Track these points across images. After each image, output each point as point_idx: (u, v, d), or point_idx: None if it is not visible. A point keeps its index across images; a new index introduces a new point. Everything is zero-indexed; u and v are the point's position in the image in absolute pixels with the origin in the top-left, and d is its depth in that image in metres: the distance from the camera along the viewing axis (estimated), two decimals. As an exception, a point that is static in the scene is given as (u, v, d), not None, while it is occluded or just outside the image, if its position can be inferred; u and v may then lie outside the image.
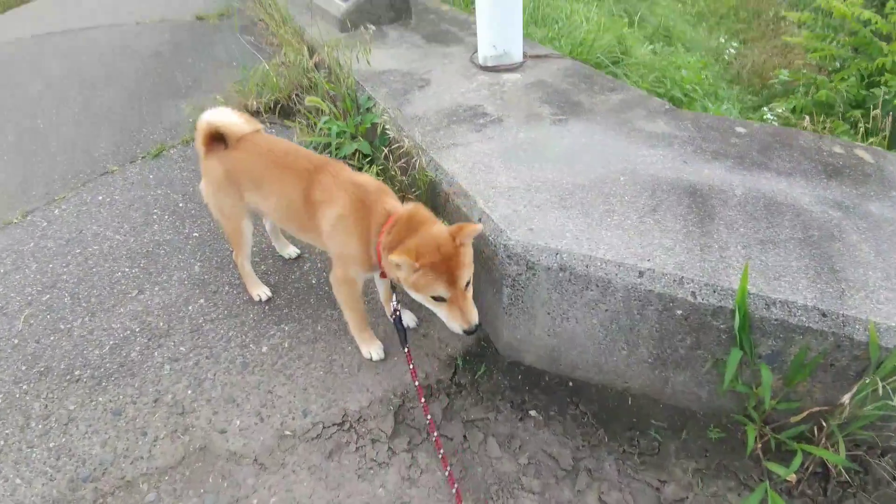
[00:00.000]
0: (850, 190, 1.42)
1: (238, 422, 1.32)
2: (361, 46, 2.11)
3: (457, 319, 1.12)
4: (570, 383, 1.34)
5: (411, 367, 1.25)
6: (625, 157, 1.48)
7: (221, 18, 4.14)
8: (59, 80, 3.33)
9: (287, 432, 1.29)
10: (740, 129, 1.64)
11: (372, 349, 1.41)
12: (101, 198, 2.22)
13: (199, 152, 1.48)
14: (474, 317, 1.10)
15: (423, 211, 1.21)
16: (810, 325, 1.06)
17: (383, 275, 1.30)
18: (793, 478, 1.10)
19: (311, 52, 2.52)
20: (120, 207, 2.14)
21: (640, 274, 1.14)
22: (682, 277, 1.12)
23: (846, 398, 1.02)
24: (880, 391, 1.02)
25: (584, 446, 1.24)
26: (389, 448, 1.26)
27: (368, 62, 2.08)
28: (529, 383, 1.36)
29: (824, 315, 1.06)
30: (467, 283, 1.12)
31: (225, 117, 1.41)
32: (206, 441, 1.29)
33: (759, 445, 1.17)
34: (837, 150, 1.60)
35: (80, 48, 3.84)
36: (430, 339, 1.49)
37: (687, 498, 1.15)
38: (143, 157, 2.45)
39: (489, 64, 1.97)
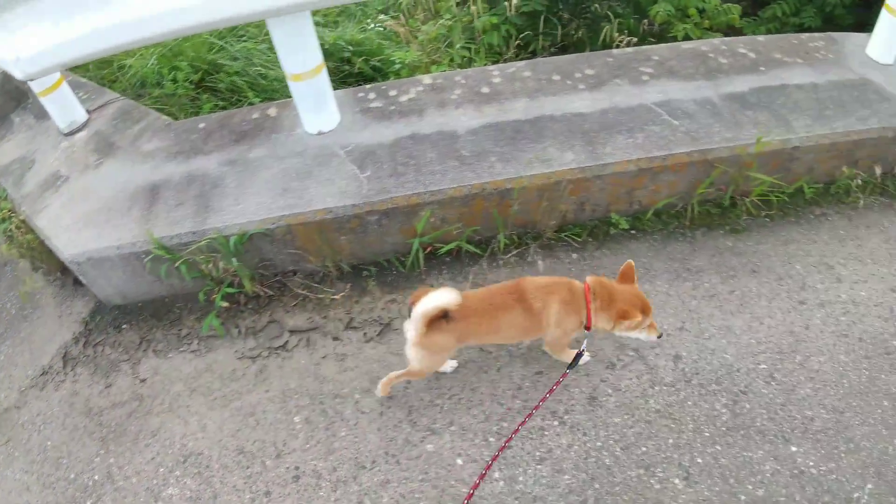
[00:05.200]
0: (245, 146, 2.92)
1: None
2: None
3: (655, 333, 2.09)
4: (140, 304, 2.89)
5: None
6: (126, 178, 2.90)
7: None
8: None
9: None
10: (201, 125, 3.11)
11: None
12: None
13: (419, 329, 1.91)
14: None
15: (603, 280, 2.06)
16: (192, 239, 2.59)
17: (588, 328, 2.06)
18: (225, 304, 2.69)
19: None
20: None
21: (119, 248, 2.63)
22: (136, 242, 2.62)
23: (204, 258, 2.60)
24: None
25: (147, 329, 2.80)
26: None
27: (-10, 162, 3.37)
28: (121, 310, 2.87)
29: (195, 233, 2.59)
30: None
31: (446, 297, 1.81)
32: None
33: (213, 298, 2.74)
34: (255, 115, 3.10)
35: None
36: (76, 314, 2.98)
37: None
38: None
39: (66, 131, 3.29)
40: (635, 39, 3.83)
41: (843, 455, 2.21)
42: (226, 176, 2.76)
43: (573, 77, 2.90)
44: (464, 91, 2.89)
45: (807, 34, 3.28)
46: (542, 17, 4.26)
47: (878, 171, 2.86)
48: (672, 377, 2.41)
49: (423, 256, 2.65)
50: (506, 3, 4.00)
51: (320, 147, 2.74)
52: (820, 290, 2.67)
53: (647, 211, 2.72)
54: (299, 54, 2.58)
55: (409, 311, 1.93)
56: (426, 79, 2.99)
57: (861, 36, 3.36)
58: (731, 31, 4.61)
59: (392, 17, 4.54)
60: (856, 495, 2.10)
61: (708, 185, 2.64)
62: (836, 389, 2.40)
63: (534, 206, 2.59)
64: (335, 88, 3.16)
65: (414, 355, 2.05)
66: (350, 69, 4.40)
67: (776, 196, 2.79)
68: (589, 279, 2.09)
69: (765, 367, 2.44)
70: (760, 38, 3.21)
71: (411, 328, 1.96)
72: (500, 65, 3.00)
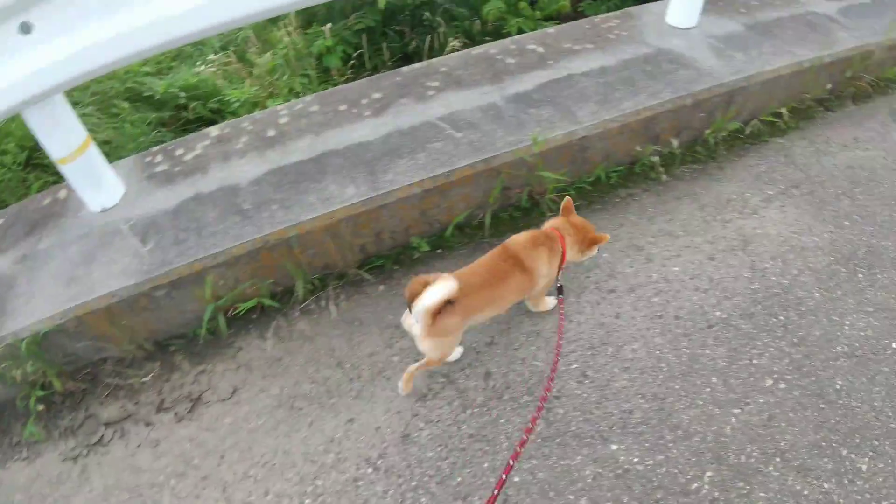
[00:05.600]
0: (36, 237, 2.83)
1: None
2: None
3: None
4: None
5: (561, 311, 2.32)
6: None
7: None
8: None
9: None
10: (0, 221, 3.00)
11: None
12: None
13: (426, 322, 1.93)
14: None
15: (563, 219, 2.25)
16: (-22, 349, 2.50)
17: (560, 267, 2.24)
18: (41, 406, 2.61)
19: None
20: None
21: None
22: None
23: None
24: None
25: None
26: None
27: None
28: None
29: (-17, 341, 2.50)
30: None
31: (447, 287, 1.84)
32: None
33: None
34: (47, 201, 3.00)
35: None
36: None
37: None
38: None
39: None
40: (458, 44, 3.79)
41: (671, 445, 2.20)
42: (18, 274, 2.65)
43: (360, 104, 2.85)
44: (250, 138, 2.82)
45: (601, 16, 3.26)
46: (370, 33, 4.21)
47: (674, 143, 2.86)
48: (483, 397, 2.39)
49: (226, 320, 2.59)
50: (323, 29, 3.93)
51: (104, 225, 2.66)
52: (629, 274, 2.68)
53: (446, 228, 2.69)
54: (59, 137, 2.49)
55: (408, 305, 1.94)
56: (213, 131, 2.92)
57: (661, 4, 3.36)
58: (579, 15, 4.59)
59: (224, 54, 4.44)
60: (694, 486, 2.08)
61: (499, 192, 2.62)
62: (653, 376, 2.41)
63: (327, 248, 2.55)
64: (175, 138, 3.09)
65: (426, 347, 2.08)
66: (188, 115, 4.30)
67: (576, 188, 2.78)
68: (553, 222, 2.27)
69: (576, 366, 2.44)
70: (551, 30, 3.19)
71: (417, 324, 1.99)
72: (289, 103, 2.94)
